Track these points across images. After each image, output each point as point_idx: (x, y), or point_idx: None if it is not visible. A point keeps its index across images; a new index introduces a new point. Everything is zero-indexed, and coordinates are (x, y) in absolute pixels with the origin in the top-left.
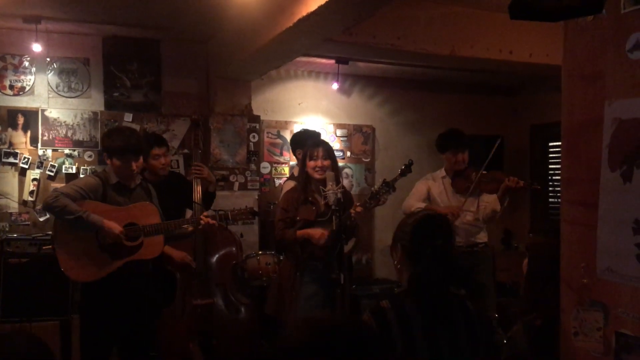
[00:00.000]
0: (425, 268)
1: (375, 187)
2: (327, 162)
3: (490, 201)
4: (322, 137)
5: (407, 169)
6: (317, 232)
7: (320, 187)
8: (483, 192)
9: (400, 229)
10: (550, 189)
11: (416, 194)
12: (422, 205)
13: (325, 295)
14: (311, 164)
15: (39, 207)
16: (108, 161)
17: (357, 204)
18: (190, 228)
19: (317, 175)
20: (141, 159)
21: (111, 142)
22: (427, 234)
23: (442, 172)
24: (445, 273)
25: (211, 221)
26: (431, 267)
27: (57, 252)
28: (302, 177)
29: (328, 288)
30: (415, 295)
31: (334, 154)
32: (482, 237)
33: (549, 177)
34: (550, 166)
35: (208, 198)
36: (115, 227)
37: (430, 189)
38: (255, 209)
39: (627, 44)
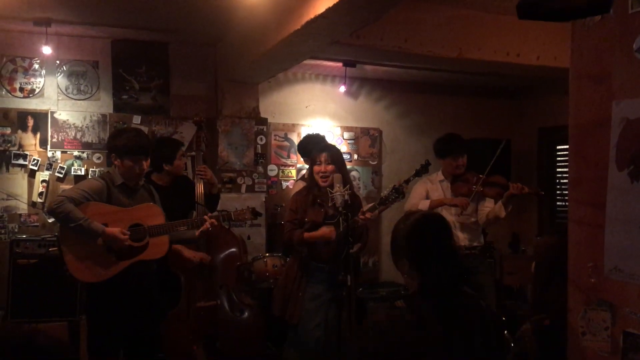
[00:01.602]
0: (435, 275)
1: (385, 192)
2: (330, 167)
3: (491, 206)
4: (328, 140)
5: (423, 169)
6: (325, 231)
7: (328, 189)
8: (486, 197)
9: (396, 240)
10: (558, 192)
11: (417, 195)
12: (427, 202)
13: (331, 297)
14: (315, 168)
15: None
16: (117, 161)
17: (365, 209)
18: (197, 233)
19: (321, 183)
20: (149, 160)
21: (122, 142)
22: (425, 239)
23: (439, 176)
24: (454, 274)
25: (214, 222)
26: (440, 273)
27: (64, 253)
28: (310, 181)
29: (333, 289)
30: (429, 300)
31: (341, 158)
32: (480, 240)
33: (557, 180)
34: (557, 169)
35: (212, 200)
36: (117, 232)
37: (428, 191)
38: (262, 211)
39: (635, 43)
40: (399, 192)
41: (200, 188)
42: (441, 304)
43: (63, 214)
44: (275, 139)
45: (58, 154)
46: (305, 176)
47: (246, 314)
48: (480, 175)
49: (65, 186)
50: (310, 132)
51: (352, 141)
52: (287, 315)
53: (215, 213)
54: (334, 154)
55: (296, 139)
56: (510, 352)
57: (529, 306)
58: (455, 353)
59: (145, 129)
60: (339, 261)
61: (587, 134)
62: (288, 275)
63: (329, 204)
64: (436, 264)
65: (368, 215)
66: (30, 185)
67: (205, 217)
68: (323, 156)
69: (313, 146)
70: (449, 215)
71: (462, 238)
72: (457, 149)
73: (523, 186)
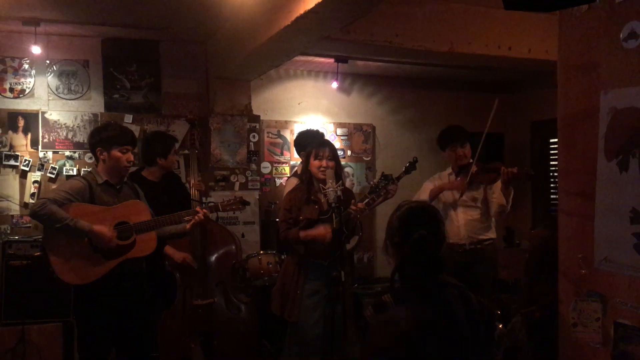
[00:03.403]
0: (405, 259)
1: (375, 180)
2: (331, 163)
3: (497, 196)
4: (325, 137)
5: (411, 167)
6: (321, 231)
7: (320, 185)
8: (482, 183)
9: (389, 226)
10: (552, 185)
11: (422, 194)
12: (427, 191)
13: (329, 293)
14: (316, 163)
15: None
16: (103, 155)
17: (357, 200)
18: (188, 226)
19: (321, 175)
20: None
21: (108, 133)
22: (410, 226)
23: (449, 170)
24: (425, 262)
25: (207, 212)
26: (410, 258)
27: (50, 256)
28: (305, 176)
29: (331, 285)
30: (402, 286)
31: (338, 155)
32: (489, 234)
33: (550, 174)
34: (551, 162)
35: None
36: (105, 231)
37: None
38: (256, 208)
39: (622, 33)
40: (388, 180)
41: (195, 192)
42: (417, 291)
43: (46, 215)
44: (268, 136)
45: (49, 154)
46: (299, 171)
47: (242, 311)
48: (471, 161)
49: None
50: (308, 128)
51: (345, 137)
52: (285, 313)
53: (203, 205)
54: (335, 150)
55: (289, 136)
56: (502, 345)
57: (521, 299)
58: (443, 344)
59: (137, 127)
60: (336, 257)
61: (575, 125)
62: (285, 273)
63: (323, 200)
64: (410, 249)
65: (360, 205)
66: (22, 186)
67: (197, 209)
68: (326, 151)
69: (311, 140)
70: (452, 197)
71: (463, 234)
72: (454, 139)
73: (511, 170)
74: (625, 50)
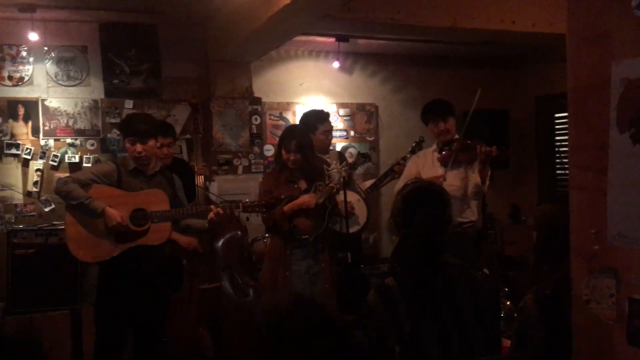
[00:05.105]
0: (404, 238)
1: (353, 159)
2: (297, 157)
3: (474, 175)
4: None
5: (417, 146)
6: (305, 199)
7: (325, 166)
8: (462, 162)
9: (393, 204)
10: (558, 160)
11: (406, 174)
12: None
13: (317, 271)
14: (284, 154)
15: (43, 197)
16: (125, 145)
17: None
18: (207, 224)
19: (290, 165)
20: (150, 144)
21: (121, 125)
22: (414, 206)
23: (434, 146)
24: (423, 244)
25: (219, 211)
26: (409, 239)
27: (66, 229)
28: (280, 160)
29: (318, 263)
30: (400, 265)
31: (309, 144)
32: (469, 216)
33: (556, 149)
34: (556, 138)
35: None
36: (116, 215)
37: (419, 166)
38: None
39: (633, 1)
40: (365, 157)
41: (201, 178)
42: (417, 271)
43: (65, 192)
44: (270, 119)
45: (51, 142)
46: (275, 157)
47: (250, 295)
48: (456, 137)
49: (60, 174)
50: (313, 108)
51: (348, 118)
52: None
53: (225, 204)
54: (304, 143)
55: (291, 118)
56: (514, 322)
57: (531, 276)
58: (445, 325)
59: None
60: (321, 233)
61: (586, 97)
62: (271, 256)
63: (326, 182)
64: (410, 229)
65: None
66: (25, 175)
67: (212, 206)
68: (292, 144)
69: (315, 120)
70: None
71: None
72: (435, 113)
73: (487, 150)
74: (637, 19)
